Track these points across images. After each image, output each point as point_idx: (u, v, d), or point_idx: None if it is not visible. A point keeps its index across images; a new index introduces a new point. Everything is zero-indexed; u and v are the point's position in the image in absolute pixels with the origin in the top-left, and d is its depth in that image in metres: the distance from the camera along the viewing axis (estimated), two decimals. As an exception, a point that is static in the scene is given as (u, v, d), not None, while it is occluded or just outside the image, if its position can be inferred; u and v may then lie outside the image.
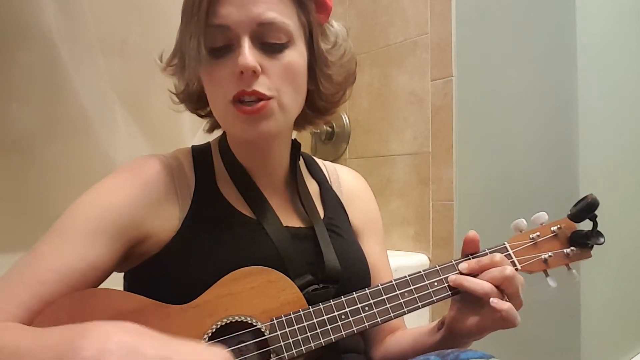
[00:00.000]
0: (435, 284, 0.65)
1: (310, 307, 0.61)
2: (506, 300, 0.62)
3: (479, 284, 0.62)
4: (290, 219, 0.72)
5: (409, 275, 0.65)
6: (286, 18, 0.64)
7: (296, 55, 0.65)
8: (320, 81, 0.71)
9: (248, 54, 0.61)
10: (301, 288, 0.63)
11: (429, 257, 1.58)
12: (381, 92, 1.75)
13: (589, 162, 1.25)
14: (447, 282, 0.65)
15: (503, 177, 1.39)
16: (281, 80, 0.64)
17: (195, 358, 0.46)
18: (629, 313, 1.46)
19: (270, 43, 0.63)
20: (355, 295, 0.63)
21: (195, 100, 0.75)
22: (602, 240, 0.68)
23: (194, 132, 1.50)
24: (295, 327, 0.60)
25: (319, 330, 0.60)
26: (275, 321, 0.60)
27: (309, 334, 0.60)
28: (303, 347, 0.59)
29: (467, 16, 1.49)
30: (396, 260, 1.48)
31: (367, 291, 0.64)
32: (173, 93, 0.76)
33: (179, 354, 0.45)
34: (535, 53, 1.32)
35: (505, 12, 1.39)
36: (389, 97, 1.72)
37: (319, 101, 0.74)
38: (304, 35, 0.68)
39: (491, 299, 0.61)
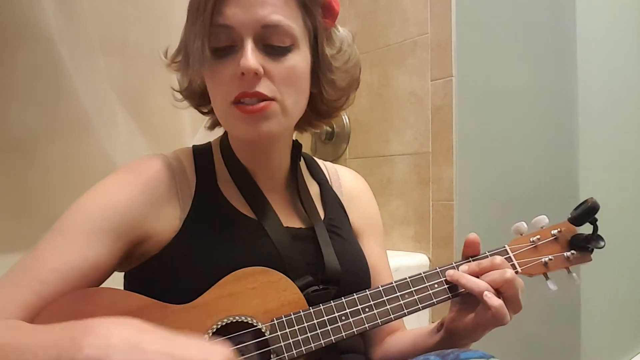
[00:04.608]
0: (436, 285, 0.65)
1: (310, 307, 0.62)
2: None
3: (475, 282, 0.63)
4: (290, 220, 0.72)
5: (409, 277, 0.66)
6: (291, 21, 0.64)
7: (299, 59, 0.65)
8: (323, 86, 0.71)
9: (250, 56, 0.61)
10: (301, 289, 0.63)
11: (429, 257, 1.58)
12: (381, 92, 1.75)
13: (589, 162, 1.25)
14: (448, 284, 0.65)
15: (503, 177, 1.39)
16: (283, 84, 0.64)
17: (197, 353, 0.46)
18: (629, 313, 1.47)
19: (273, 46, 0.63)
20: (355, 296, 0.63)
21: (198, 97, 0.75)
22: (602, 244, 0.68)
23: (194, 132, 1.50)
24: (296, 327, 0.60)
25: (319, 331, 0.60)
26: (275, 322, 0.60)
27: (309, 334, 0.60)
28: (303, 348, 0.59)
29: (467, 16, 1.50)
30: (396, 260, 1.48)
31: (368, 292, 0.64)
32: (176, 91, 0.76)
33: (181, 349, 0.45)
34: (535, 53, 1.32)
35: (505, 12, 1.39)
36: (389, 97, 1.72)
37: (322, 105, 0.74)
38: (308, 39, 0.67)
39: (484, 293, 0.61)
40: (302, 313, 0.61)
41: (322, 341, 0.60)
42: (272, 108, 0.63)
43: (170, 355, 0.45)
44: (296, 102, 0.67)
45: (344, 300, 0.63)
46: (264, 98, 0.62)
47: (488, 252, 0.69)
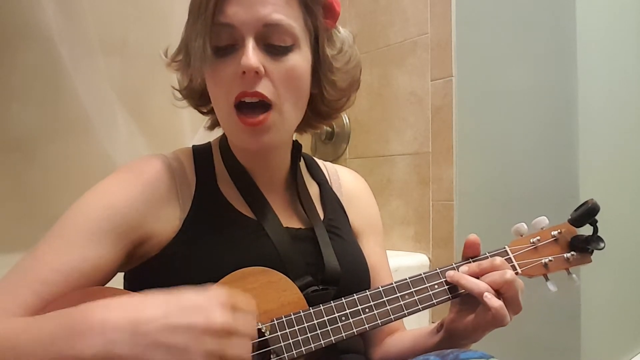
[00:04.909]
0: (436, 286, 0.65)
1: (310, 308, 0.62)
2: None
3: (475, 283, 0.63)
4: (290, 220, 0.72)
5: (409, 278, 0.66)
6: (292, 21, 0.64)
7: (300, 59, 0.65)
8: (324, 86, 0.71)
9: (251, 55, 0.61)
10: (301, 289, 0.63)
11: (429, 257, 1.58)
12: (381, 92, 1.75)
13: (589, 162, 1.25)
14: (448, 285, 0.66)
15: (503, 177, 1.39)
16: (283, 84, 0.64)
17: (198, 317, 0.46)
18: (629, 313, 1.47)
19: (274, 45, 0.63)
20: (355, 296, 0.63)
21: (198, 97, 0.75)
22: (602, 245, 0.68)
23: (194, 132, 1.50)
24: (296, 328, 0.60)
25: (319, 332, 0.60)
26: (275, 322, 0.60)
27: (309, 334, 0.60)
28: (303, 348, 0.59)
29: (467, 16, 1.49)
30: (396, 260, 1.48)
31: (368, 293, 0.64)
32: (176, 89, 0.76)
33: (181, 317, 0.45)
34: (535, 53, 1.32)
35: (505, 12, 1.39)
36: (389, 97, 1.72)
37: (322, 106, 0.74)
38: (309, 39, 0.67)
39: (485, 294, 0.61)
40: (302, 313, 0.61)
41: (322, 341, 0.60)
42: (271, 119, 0.64)
43: (173, 328, 0.45)
44: (295, 105, 0.67)
45: (343, 300, 0.63)
46: (263, 99, 0.62)
47: (488, 253, 0.69)
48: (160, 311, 0.46)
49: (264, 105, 0.63)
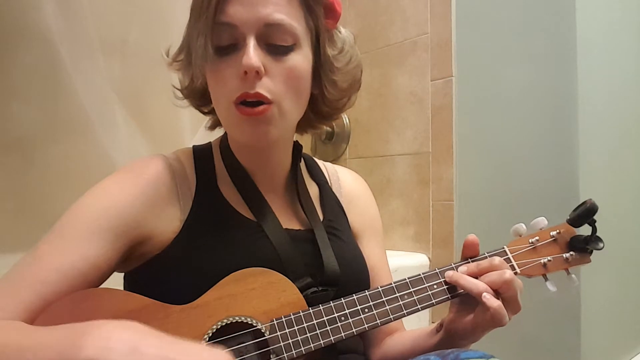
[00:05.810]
0: (435, 286, 0.65)
1: (310, 308, 0.62)
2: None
3: (474, 283, 0.63)
4: (290, 221, 0.72)
5: (408, 278, 0.66)
6: (294, 21, 0.64)
7: (301, 59, 0.65)
8: (325, 86, 0.71)
9: (253, 54, 0.61)
10: (300, 290, 0.63)
11: (429, 257, 1.58)
12: (381, 92, 1.75)
13: (588, 161, 1.25)
14: (447, 285, 0.66)
15: (503, 177, 1.39)
16: (283, 84, 0.64)
17: (196, 358, 0.46)
18: (629, 313, 1.47)
19: (275, 45, 0.63)
20: (355, 297, 0.63)
21: (199, 97, 0.75)
22: (601, 245, 0.68)
23: (194, 132, 1.50)
24: (295, 328, 0.60)
25: (318, 332, 0.60)
26: (275, 322, 0.60)
27: (308, 334, 0.60)
28: (303, 348, 0.59)
29: (467, 16, 1.50)
30: (396, 260, 1.48)
31: (367, 293, 0.64)
32: (177, 89, 0.76)
33: (181, 353, 0.46)
34: (535, 53, 1.32)
35: (505, 12, 1.39)
36: (389, 97, 1.72)
37: (323, 106, 0.74)
38: (310, 39, 0.67)
39: (483, 294, 0.61)
40: (301, 313, 0.61)
41: (322, 341, 0.60)
42: (271, 112, 0.63)
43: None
44: (295, 104, 0.67)
45: (343, 301, 0.63)
46: (264, 100, 0.63)
47: (487, 253, 0.69)
48: (165, 343, 0.46)
49: (263, 102, 0.63)
